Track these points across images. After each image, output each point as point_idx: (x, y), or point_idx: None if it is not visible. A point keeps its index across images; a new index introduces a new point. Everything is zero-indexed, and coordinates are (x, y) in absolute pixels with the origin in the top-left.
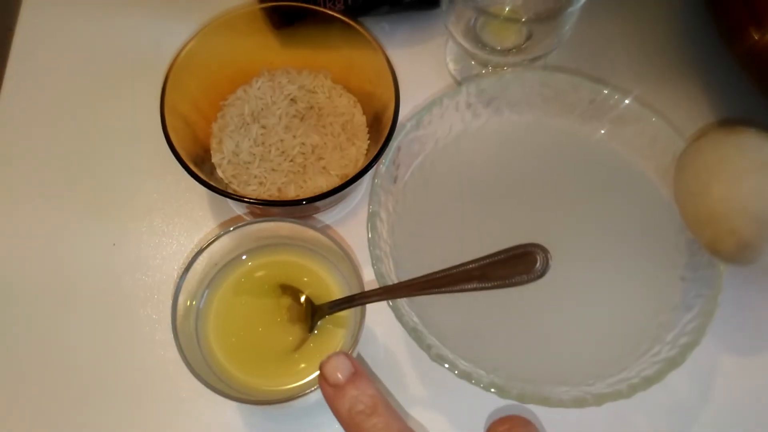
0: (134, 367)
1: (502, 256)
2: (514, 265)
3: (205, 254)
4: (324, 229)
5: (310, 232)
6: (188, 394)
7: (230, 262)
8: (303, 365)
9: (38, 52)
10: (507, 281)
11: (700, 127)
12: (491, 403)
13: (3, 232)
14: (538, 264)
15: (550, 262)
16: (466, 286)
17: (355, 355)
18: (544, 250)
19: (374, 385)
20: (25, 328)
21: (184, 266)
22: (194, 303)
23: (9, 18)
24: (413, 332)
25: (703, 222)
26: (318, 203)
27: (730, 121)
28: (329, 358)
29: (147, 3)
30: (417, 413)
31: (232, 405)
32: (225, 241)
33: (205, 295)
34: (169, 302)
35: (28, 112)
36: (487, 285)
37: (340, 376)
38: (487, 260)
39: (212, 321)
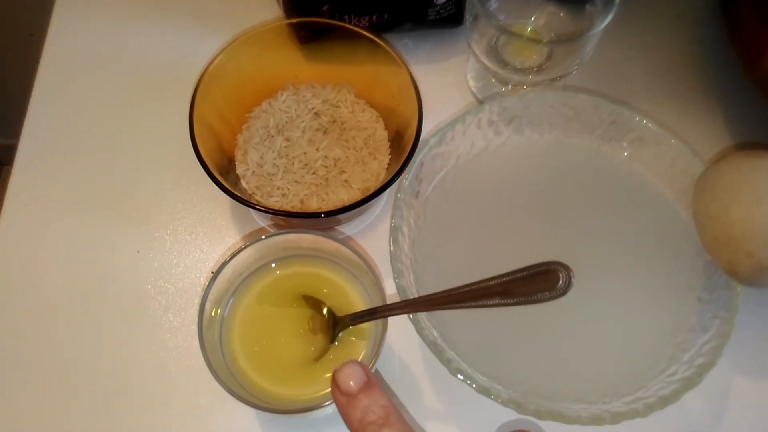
0: (154, 372)
1: (525, 273)
2: (537, 283)
3: (231, 264)
4: (346, 241)
5: (333, 245)
6: (207, 401)
7: (254, 272)
8: (324, 375)
9: (67, 62)
10: (529, 298)
11: (719, 150)
12: (506, 418)
13: (30, 237)
14: (560, 282)
15: (573, 280)
16: (488, 302)
17: (374, 367)
18: (567, 269)
19: (387, 396)
20: (47, 332)
21: (211, 275)
22: (219, 311)
23: (32, 24)
24: (433, 346)
25: (721, 244)
26: (340, 216)
27: (749, 145)
28: (343, 365)
29: (175, 17)
30: (432, 427)
31: (250, 412)
32: (251, 252)
33: (229, 303)
34: (191, 310)
35: (56, 121)
36: (509, 301)
37: (352, 384)
38: (510, 277)
39: (236, 329)
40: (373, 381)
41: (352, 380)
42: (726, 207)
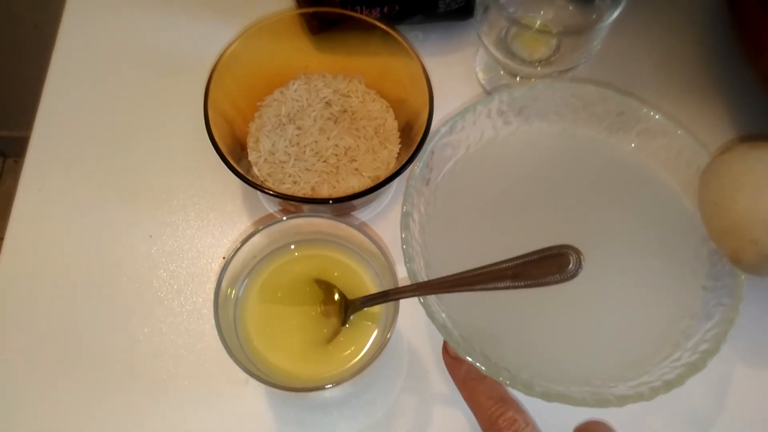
0: (166, 355)
1: (536, 256)
2: (547, 266)
3: (247, 246)
4: (359, 227)
5: (346, 230)
6: (218, 383)
7: (269, 255)
8: (335, 356)
9: (82, 50)
10: (539, 281)
11: (724, 142)
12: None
13: (44, 222)
14: (570, 265)
15: (583, 263)
16: (498, 285)
17: (384, 351)
18: (577, 252)
19: None
20: (61, 315)
21: (222, 259)
22: (233, 292)
23: (36, 15)
24: (443, 329)
25: (726, 232)
26: (352, 202)
27: (754, 137)
28: None
29: (188, 6)
30: (439, 410)
31: (260, 395)
32: (266, 234)
33: (244, 284)
34: (203, 294)
35: (70, 108)
36: (519, 284)
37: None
38: (521, 260)
39: (250, 310)
40: None
41: None
42: (731, 195)
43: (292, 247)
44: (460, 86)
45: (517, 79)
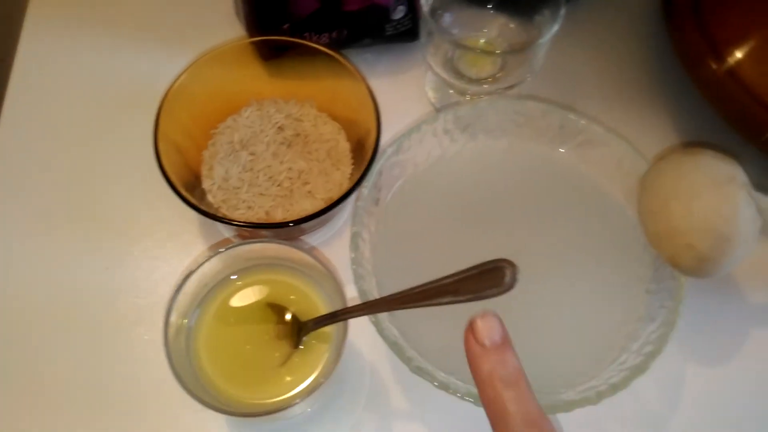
0: (127, 386)
1: (474, 271)
2: (486, 280)
3: (196, 275)
4: (309, 250)
5: (295, 253)
6: (180, 411)
7: (220, 282)
8: (288, 378)
9: (36, 84)
10: (478, 295)
11: (663, 149)
12: (470, 414)
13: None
14: (507, 278)
15: (518, 276)
16: (441, 300)
17: (337, 369)
18: (512, 265)
19: (519, 360)
20: (18, 349)
21: (177, 286)
22: (185, 321)
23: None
24: (394, 346)
25: (662, 238)
26: (304, 225)
27: (691, 144)
28: (483, 315)
29: (141, 36)
30: (399, 426)
31: (221, 422)
32: (215, 262)
33: (196, 314)
34: (161, 323)
35: (25, 141)
36: (460, 299)
37: (489, 340)
38: (460, 276)
39: (203, 339)
40: (509, 341)
41: (491, 333)
42: (666, 202)
43: (234, 277)
44: (412, 106)
45: (467, 96)
